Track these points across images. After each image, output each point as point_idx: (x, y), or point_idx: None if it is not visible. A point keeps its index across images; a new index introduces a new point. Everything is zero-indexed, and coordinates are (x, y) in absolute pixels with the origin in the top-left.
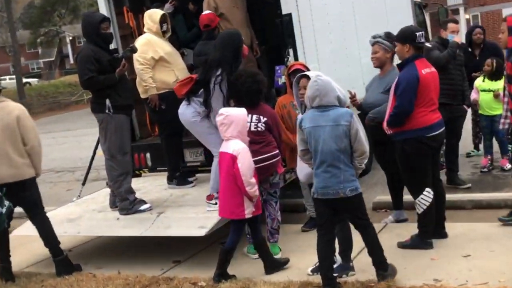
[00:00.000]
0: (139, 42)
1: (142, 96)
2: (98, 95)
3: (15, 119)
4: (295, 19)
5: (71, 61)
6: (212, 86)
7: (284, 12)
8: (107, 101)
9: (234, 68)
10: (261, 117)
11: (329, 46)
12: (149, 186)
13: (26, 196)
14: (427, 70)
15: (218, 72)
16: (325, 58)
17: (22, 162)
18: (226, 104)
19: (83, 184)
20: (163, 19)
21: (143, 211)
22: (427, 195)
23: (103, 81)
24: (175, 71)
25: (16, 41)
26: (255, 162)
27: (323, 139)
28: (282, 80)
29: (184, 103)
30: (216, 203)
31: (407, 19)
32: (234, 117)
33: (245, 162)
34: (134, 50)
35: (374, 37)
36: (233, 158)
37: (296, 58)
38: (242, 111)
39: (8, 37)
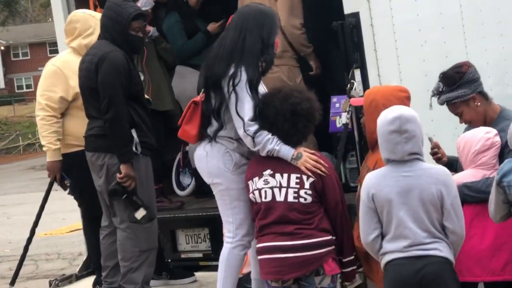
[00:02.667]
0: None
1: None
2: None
3: None
4: (366, 22)
5: (1, 84)
6: (226, 90)
7: (347, 10)
8: (135, 135)
9: (262, 63)
10: (305, 179)
11: (422, 67)
12: None
13: None
14: None
15: (231, 70)
16: (414, 85)
17: None
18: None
19: (12, 284)
20: None
21: None
22: None
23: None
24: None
25: None
26: (283, 250)
27: None
28: (342, 120)
29: (203, 142)
30: None
31: None
32: None
33: None
34: None
35: (434, 93)
36: None
37: (366, 84)
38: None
39: None
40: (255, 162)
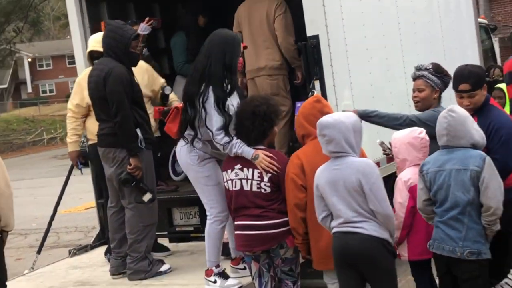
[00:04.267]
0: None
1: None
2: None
3: None
4: (323, 42)
5: (29, 89)
6: (198, 106)
7: (309, 33)
8: (139, 133)
9: (228, 85)
10: (264, 174)
11: (368, 78)
12: None
13: None
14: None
15: (201, 89)
16: (362, 93)
17: None
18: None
19: (38, 252)
20: (97, 54)
21: (164, 273)
22: None
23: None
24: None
25: None
26: (253, 228)
27: (447, 185)
28: None
29: (181, 141)
30: (215, 281)
31: (470, 46)
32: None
33: None
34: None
35: (418, 68)
36: None
37: (323, 93)
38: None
39: None
40: (229, 158)
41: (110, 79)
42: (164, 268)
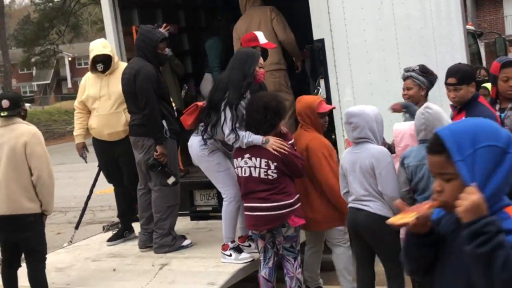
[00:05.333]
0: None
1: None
2: None
3: (22, 144)
4: (328, 45)
5: (69, 84)
6: (221, 110)
7: (315, 37)
8: (165, 124)
9: (244, 93)
10: (270, 163)
11: (367, 78)
12: None
13: (24, 238)
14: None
15: (226, 97)
16: (362, 91)
17: (21, 194)
18: (232, 130)
19: (76, 227)
20: (100, 58)
21: (186, 247)
22: None
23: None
24: (92, 117)
25: (8, 60)
26: (259, 210)
27: (428, 177)
28: None
29: (193, 134)
30: (230, 255)
31: (458, 50)
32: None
33: None
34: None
35: (406, 70)
36: None
37: (328, 90)
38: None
39: (0, 55)
40: (239, 148)
41: (139, 77)
42: (186, 243)
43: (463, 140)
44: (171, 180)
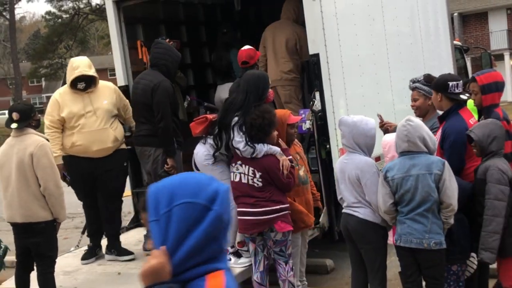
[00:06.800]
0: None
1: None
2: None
3: (29, 155)
4: (323, 59)
5: None
6: (231, 129)
7: (311, 51)
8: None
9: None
10: (256, 172)
11: (360, 90)
12: None
13: (34, 243)
14: (473, 119)
15: (238, 114)
16: (355, 102)
17: (33, 203)
18: (247, 145)
19: (83, 233)
20: (81, 78)
21: None
22: (473, 260)
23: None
24: (75, 134)
25: (19, 73)
26: (248, 214)
27: (415, 188)
28: (307, 125)
29: (200, 142)
30: (230, 259)
31: (446, 64)
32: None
33: None
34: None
35: (413, 81)
36: None
37: (322, 102)
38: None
39: (11, 68)
40: (235, 154)
41: (159, 90)
42: None
43: (162, 197)
44: None
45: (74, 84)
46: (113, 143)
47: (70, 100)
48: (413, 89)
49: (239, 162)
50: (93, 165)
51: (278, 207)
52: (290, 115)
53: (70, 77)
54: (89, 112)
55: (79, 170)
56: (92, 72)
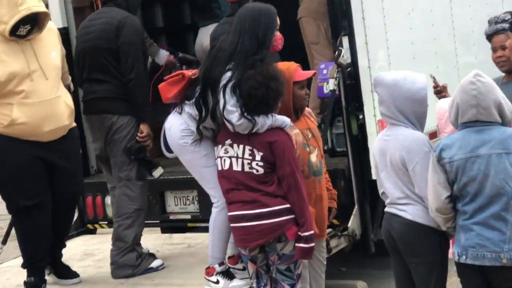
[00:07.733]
0: None
1: None
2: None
3: None
4: None
5: None
6: (220, 89)
7: None
8: None
9: (257, 65)
10: (255, 151)
11: (408, 35)
12: (109, 249)
13: None
14: None
15: (230, 67)
16: (400, 53)
17: None
18: (242, 117)
19: (3, 242)
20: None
21: (156, 269)
22: None
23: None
24: (15, 106)
25: None
26: (247, 218)
27: (484, 175)
28: (330, 86)
29: (173, 112)
30: (218, 282)
31: None
32: None
33: None
34: None
35: (495, 21)
36: None
37: (353, 51)
38: None
39: None
40: (222, 131)
41: (125, 28)
42: (155, 263)
43: None
44: (158, 172)
45: (15, 28)
46: (69, 119)
47: (5, 52)
48: (496, 32)
49: (228, 142)
50: (41, 152)
51: (289, 205)
52: (298, 68)
53: (10, 18)
54: (36, 72)
55: (20, 161)
56: (43, 7)
